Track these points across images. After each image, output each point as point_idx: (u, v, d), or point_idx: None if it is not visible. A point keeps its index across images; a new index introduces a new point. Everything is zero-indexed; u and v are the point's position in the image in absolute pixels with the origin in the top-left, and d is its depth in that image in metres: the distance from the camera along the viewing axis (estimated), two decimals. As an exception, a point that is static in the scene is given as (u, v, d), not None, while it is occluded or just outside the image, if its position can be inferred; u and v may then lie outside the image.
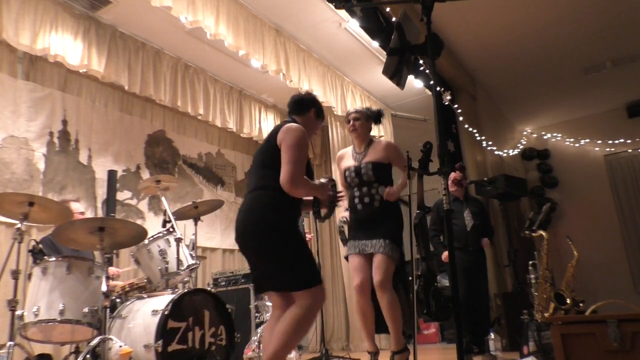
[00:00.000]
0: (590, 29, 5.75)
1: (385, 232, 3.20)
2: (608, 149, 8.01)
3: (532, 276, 4.39)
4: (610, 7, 5.35)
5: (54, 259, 2.97)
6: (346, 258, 3.42)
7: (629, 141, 7.80)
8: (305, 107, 2.60)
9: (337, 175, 3.64)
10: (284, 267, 2.30)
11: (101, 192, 4.96)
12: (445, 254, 4.38)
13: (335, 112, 5.89)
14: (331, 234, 7.08)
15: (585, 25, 5.66)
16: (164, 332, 2.89)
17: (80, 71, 4.63)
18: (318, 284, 2.31)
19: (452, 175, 4.65)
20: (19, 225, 2.93)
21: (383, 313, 3.16)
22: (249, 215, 2.37)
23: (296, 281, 2.29)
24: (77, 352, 3.13)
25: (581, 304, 4.09)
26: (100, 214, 4.85)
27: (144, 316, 3.06)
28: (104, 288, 2.84)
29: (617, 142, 7.91)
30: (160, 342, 2.84)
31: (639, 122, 7.75)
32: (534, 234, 4.54)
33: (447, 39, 5.74)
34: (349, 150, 3.51)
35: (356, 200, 3.34)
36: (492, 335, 4.40)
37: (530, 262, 4.50)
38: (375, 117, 3.50)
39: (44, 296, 2.85)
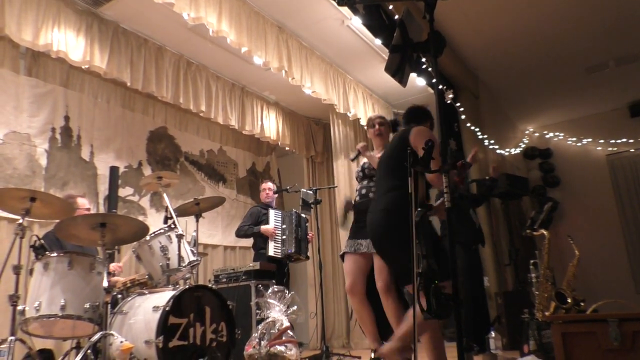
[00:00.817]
0: (593, 28, 5.74)
1: None
2: (610, 149, 7.99)
3: (533, 275, 4.38)
4: (614, 5, 5.33)
5: (55, 254, 2.98)
6: (341, 257, 3.38)
7: (631, 141, 7.78)
8: (423, 118, 2.84)
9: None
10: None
11: (103, 188, 4.97)
12: None
13: (337, 110, 5.89)
14: (332, 231, 7.08)
15: (588, 24, 5.64)
16: (164, 328, 2.90)
17: (83, 67, 4.63)
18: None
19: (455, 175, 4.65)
20: (20, 221, 2.93)
21: (389, 319, 3.05)
22: (389, 215, 2.56)
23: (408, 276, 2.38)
24: (78, 347, 3.14)
25: (582, 303, 4.09)
26: (102, 210, 4.86)
27: (145, 312, 3.06)
28: (105, 284, 2.84)
29: (619, 141, 7.88)
30: (161, 338, 2.84)
31: (642, 122, 7.73)
32: (535, 233, 4.54)
33: (450, 37, 5.73)
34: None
35: (356, 194, 3.35)
36: (493, 334, 4.39)
37: (532, 261, 4.49)
38: (393, 125, 3.69)
39: (45, 291, 2.86)
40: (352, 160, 3.64)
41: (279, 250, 4.94)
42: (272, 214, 5.10)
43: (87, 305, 2.86)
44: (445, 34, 5.58)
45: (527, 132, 8.66)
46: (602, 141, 8.04)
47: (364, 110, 6.16)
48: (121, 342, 2.75)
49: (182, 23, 4.62)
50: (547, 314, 3.98)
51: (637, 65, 6.66)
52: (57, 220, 3.03)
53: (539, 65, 6.56)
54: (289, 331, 3.50)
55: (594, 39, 5.96)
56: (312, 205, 4.85)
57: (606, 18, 5.54)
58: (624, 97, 7.65)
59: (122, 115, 5.42)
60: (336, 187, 6.35)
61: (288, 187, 5.35)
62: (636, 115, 7.76)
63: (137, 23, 4.84)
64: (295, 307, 3.62)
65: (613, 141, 7.93)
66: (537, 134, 8.65)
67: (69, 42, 4.25)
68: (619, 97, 7.63)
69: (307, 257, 5.23)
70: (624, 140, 7.83)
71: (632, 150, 7.83)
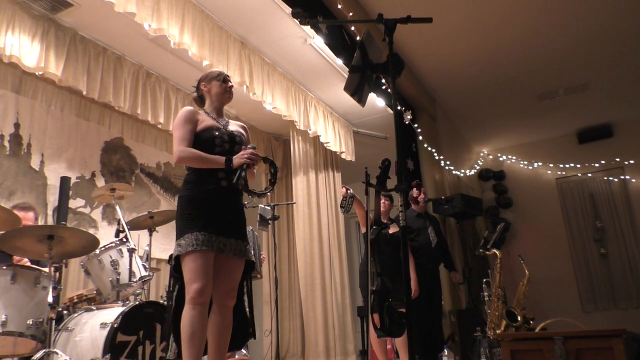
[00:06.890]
0: (546, 57, 6.02)
1: None
2: (559, 173, 8.34)
3: (486, 294, 4.49)
4: (565, 37, 5.61)
5: (-3, 267, 2.84)
6: None
7: (578, 166, 8.15)
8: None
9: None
10: None
11: (53, 199, 4.79)
12: None
13: (297, 127, 5.91)
14: (289, 248, 7.05)
15: (541, 53, 5.92)
16: (112, 346, 2.80)
17: (37, 73, 4.48)
18: None
19: (421, 196, 4.74)
20: (-39, 231, 2.79)
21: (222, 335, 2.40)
22: None
23: None
24: (19, 366, 2.99)
25: (531, 321, 4.21)
26: (50, 221, 4.68)
27: (92, 329, 2.95)
28: (50, 299, 2.73)
29: (567, 166, 8.24)
30: (108, 356, 2.74)
31: (588, 148, 8.12)
32: (488, 253, 4.66)
33: (409, 60, 5.88)
34: None
35: None
36: (446, 352, 4.46)
37: (484, 280, 4.60)
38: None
39: (-15, 306, 2.72)
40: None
41: None
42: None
43: (30, 322, 2.74)
44: (404, 56, 5.75)
45: (481, 154, 8.93)
46: (551, 165, 8.39)
47: (324, 128, 6.20)
48: (65, 360, 2.64)
49: (143, 33, 4.56)
50: (498, 332, 4.08)
51: (584, 95, 7.02)
52: (1, 232, 2.90)
53: (494, 90, 6.81)
54: (242, 349, 3.44)
55: (545, 67, 6.25)
56: (269, 221, 4.82)
57: (558, 48, 5.83)
58: (572, 124, 8.04)
59: (77, 125, 5.26)
60: (294, 203, 6.34)
61: (246, 202, 5.28)
62: (584, 141, 8.18)
63: (96, 31, 4.74)
64: (249, 325, 3.56)
65: (562, 165, 8.29)
66: (491, 157, 8.94)
67: (23, 47, 4.11)
68: (567, 124, 8.01)
69: (261, 276, 5.16)
70: (572, 165, 8.19)
71: (579, 175, 8.20)
